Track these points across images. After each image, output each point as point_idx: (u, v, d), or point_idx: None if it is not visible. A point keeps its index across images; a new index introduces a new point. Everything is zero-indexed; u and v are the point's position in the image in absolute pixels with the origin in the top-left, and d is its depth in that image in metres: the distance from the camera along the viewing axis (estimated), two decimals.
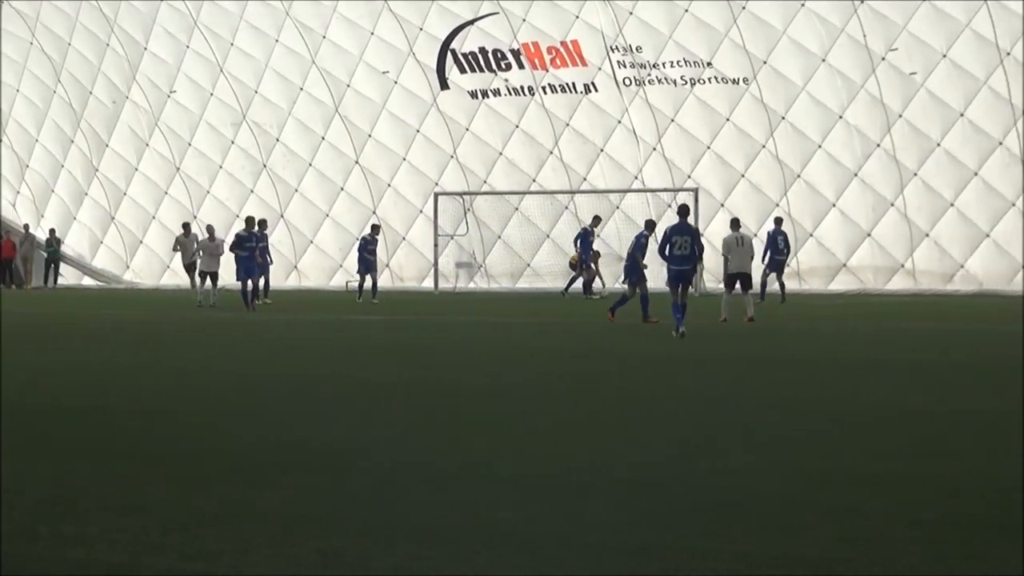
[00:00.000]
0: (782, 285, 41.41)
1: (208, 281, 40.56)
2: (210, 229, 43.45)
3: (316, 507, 8.91)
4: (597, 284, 46.17)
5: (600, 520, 8.40)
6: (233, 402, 15.37)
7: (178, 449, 11.49)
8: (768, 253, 41.35)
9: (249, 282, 37.15)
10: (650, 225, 31.52)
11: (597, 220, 47.08)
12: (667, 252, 26.43)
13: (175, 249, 47.70)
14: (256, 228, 38.84)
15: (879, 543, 7.76)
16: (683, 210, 27.84)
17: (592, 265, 45.65)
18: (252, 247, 37.41)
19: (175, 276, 53.65)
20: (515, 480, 9.89)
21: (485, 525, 8.29)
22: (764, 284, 41.05)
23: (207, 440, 12.04)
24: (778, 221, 42.77)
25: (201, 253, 41.68)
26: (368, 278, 43.36)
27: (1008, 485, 9.60)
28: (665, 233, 26.92)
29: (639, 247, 30.20)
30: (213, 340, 26.97)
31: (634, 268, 30.20)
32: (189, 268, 45.52)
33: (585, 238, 45.75)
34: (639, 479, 9.90)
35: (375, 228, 45.45)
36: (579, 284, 46.04)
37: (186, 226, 47.79)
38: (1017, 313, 31.89)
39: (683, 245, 26.23)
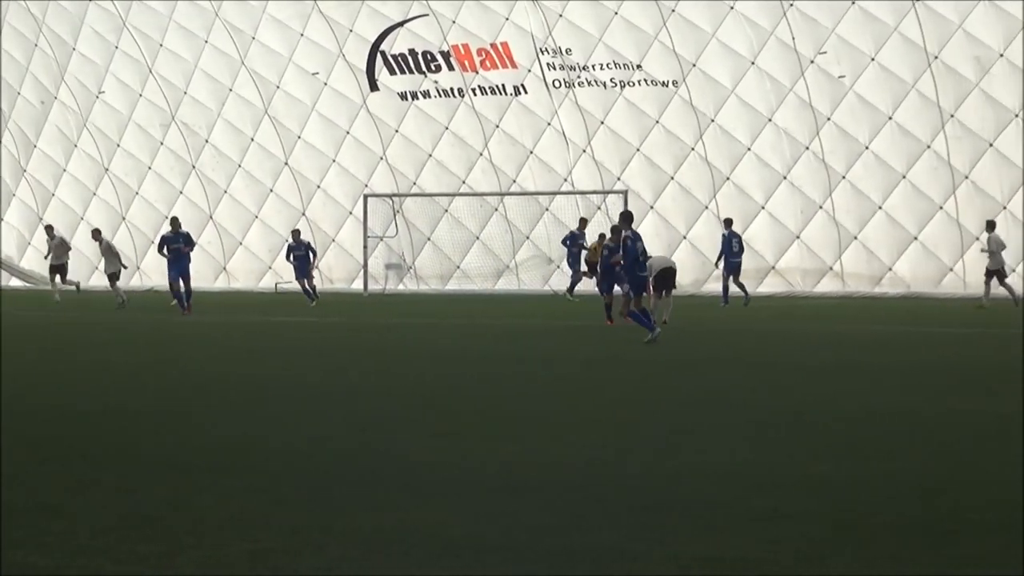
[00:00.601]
0: (741, 286, 40.97)
1: (116, 281, 41.64)
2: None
3: (247, 508, 8.87)
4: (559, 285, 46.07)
5: (533, 522, 8.39)
6: (168, 404, 15.25)
7: (109, 451, 11.40)
8: (723, 256, 41.27)
9: (181, 282, 36.99)
10: (616, 231, 30.28)
11: (584, 222, 46.60)
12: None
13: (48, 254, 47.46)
14: (181, 228, 38.87)
15: (808, 545, 7.80)
16: (630, 216, 27.50)
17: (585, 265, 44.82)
18: (178, 248, 37.31)
19: (103, 277, 53.21)
20: (447, 481, 9.88)
21: (413, 526, 8.27)
22: (726, 288, 40.89)
23: (138, 442, 11.96)
24: (728, 222, 42.21)
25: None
26: (305, 280, 43.47)
27: (936, 487, 9.69)
28: (631, 239, 26.40)
29: (610, 254, 30.31)
30: (145, 342, 26.78)
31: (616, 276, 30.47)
32: (52, 270, 45.62)
33: (574, 241, 45.67)
34: (572, 481, 9.91)
35: (295, 233, 45.62)
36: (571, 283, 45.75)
37: (48, 228, 48.10)
38: (950, 317, 32.18)
39: (643, 249, 26.37)
